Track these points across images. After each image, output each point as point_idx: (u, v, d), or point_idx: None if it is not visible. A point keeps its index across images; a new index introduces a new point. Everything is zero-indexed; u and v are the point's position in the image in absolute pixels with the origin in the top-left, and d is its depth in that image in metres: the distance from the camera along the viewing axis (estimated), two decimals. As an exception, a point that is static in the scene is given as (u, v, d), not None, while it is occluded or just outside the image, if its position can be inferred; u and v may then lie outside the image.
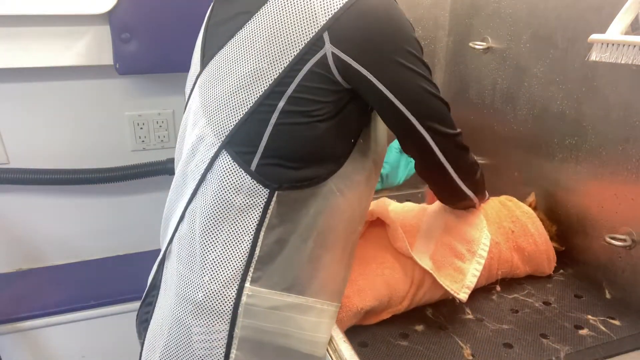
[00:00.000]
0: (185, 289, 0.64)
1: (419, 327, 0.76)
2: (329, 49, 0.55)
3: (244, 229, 0.61)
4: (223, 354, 0.63)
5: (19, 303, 1.30)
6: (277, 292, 0.63)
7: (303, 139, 0.59)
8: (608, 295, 0.85)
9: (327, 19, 0.55)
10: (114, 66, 1.27)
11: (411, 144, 0.67)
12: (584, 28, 0.87)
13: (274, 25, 0.58)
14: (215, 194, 0.62)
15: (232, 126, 0.60)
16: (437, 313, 0.80)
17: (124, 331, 1.36)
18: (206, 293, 0.62)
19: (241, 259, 0.61)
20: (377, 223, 0.86)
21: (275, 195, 0.60)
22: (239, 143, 0.60)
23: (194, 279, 0.63)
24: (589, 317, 0.79)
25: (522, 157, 1.05)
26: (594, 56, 0.74)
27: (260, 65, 0.58)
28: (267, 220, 0.61)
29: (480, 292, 0.84)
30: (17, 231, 1.41)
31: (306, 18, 0.56)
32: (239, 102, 0.60)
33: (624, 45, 0.70)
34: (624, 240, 0.81)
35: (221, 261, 0.62)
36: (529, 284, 0.89)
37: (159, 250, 0.76)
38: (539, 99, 0.98)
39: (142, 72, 1.31)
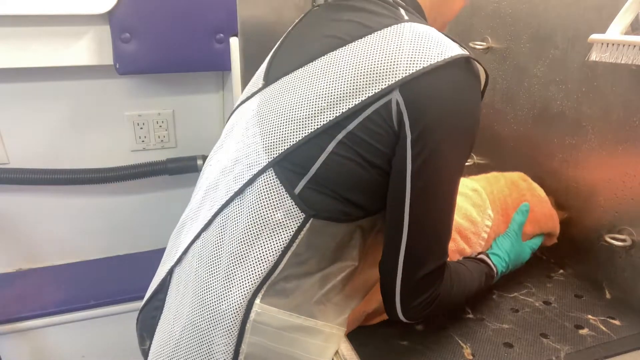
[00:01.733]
0: (205, 294, 0.63)
1: (419, 327, 0.76)
2: (395, 96, 0.56)
3: (270, 248, 0.60)
4: None
5: (19, 303, 1.30)
6: (286, 312, 0.62)
7: (353, 177, 0.59)
8: (608, 295, 0.85)
9: (408, 73, 0.56)
10: (114, 66, 1.27)
11: (388, 220, 0.62)
12: (584, 28, 0.86)
13: (360, 62, 0.58)
14: (252, 210, 0.61)
15: (288, 146, 0.60)
16: (437, 313, 0.80)
17: (124, 331, 1.37)
18: (222, 303, 0.61)
19: (258, 276, 0.60)
20: None
21: (310, 222, 0.59)
22: (290, 163, 0.60)
23: (216, 285, 0.63)
24: (589, 316, 0.79)
25: (522, 157, 1.04)
26: (594, 56, 0.74)
27: (331, 97, 0.58)
28: (294, 245, 0.60)
29: (480, 292, 0.84)
30: (17, 231, 1.41)
31: (390, 67, 0.56)
32: (300, 125, 0.60)
33: (624, 45, 0.70)
34: (624, 240, 0.81)
35: (241, 275, 0.61)
36: (529, 283, 0.88)
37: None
38: (539, 99, 0.98)
39: (142, 72, 1.31)
